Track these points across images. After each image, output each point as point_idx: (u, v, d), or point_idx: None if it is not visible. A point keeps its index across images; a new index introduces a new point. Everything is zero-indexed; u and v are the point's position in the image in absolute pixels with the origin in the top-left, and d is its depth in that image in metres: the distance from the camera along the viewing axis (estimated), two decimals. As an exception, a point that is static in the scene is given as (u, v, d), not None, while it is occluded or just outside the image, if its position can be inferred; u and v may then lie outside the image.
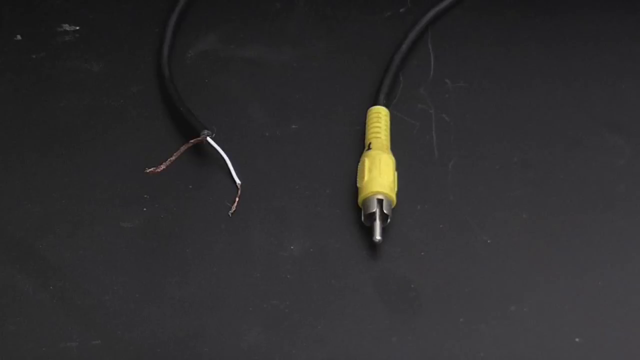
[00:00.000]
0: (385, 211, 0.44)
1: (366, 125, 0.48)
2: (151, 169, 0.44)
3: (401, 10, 0.55)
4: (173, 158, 0.45)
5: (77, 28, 0.54)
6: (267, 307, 0.42)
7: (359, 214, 0.45)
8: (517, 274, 0.43)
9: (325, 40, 0.53)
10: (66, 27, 0.54)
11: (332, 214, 0.45)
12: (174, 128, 0.49)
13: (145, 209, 0.46)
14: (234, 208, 0.46)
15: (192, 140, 0.46)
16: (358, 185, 0.45)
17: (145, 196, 0.46)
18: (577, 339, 0.41)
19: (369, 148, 0.46)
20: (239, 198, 0.46)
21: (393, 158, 0.46)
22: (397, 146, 0.47)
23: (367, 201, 0.44)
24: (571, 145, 0.48)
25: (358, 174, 0.46)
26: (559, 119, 0.49)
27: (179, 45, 0.53)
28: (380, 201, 0.44)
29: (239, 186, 0.46)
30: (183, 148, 0.46)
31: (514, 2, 0.55)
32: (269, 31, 0.54)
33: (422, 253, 0.44)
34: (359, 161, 0.46)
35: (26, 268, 0.44)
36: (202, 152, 0.48)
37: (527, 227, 0.45)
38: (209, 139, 0.47)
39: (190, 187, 0.47)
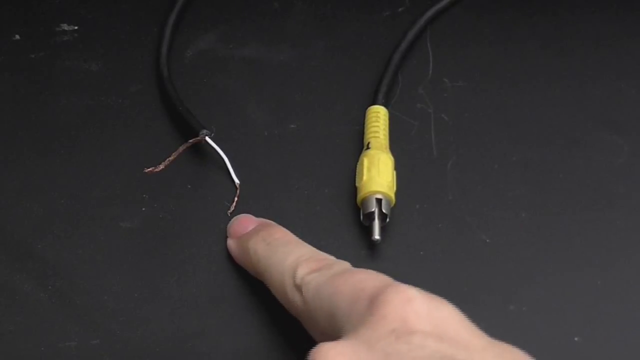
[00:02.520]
0: (384, 210, 0.44)
1: (365, 125, 0.48)
2: (150, 169, 0.44)
3: (400, 9, 0.55)
4: (172, 158, 0.45)
5: (76, 28, 0.54)
6: (266, 307, 0.42)
7: (357, 214, 0.45)
8: (516, 273, 0.43)
9: (323, 39, 0.53)
10: (65, 26, 0.54)
11: (331, 214, 0.45)
12: (173, 128, 0.49)
13: (144, 209, 0.46)
14: (233, 207, 0.46)
15: (191, 140, 0.46)
16: (357, 184, 0.45)
17: (144, 196, 0.46)
18: (576, 338, 0.41)
19: (368, 147, 0.46)
20: (238, 198, 0.46)
21: (392, 157, 0.46)
22: (396, 146, 0.47)
23: (365, 200, 0.44)
24: (570, 144, 0.48)
25: (357, 173, 0.46)
26: (558, 118, 0.49)
27: (177, 45, 0.53)
28: (379, 200, 0.44)
29: (237, 186, 0.46)
30: (182, 148, 0.46)
31: (512, 2, 0.55)
32: (268, 31, 0.54)
33: (421, 252, 0.44)
34: (357, 161, 0.46)
35: (25, 268, 0.44)
36: (201, 151, 0.48)
37: (526, 226, 0.45)
38: (207, 138, 0.47)
39: (189, 186, 0.47)
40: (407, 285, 0.35)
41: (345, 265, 0.39)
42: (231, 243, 0.44)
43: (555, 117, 0.49)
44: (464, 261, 0.44)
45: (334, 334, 0.35)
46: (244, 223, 0.44)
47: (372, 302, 0.34)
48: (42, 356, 0.41)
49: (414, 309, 0.34)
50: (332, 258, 0.40)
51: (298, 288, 0.38)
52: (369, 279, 0.36)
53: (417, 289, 0.35)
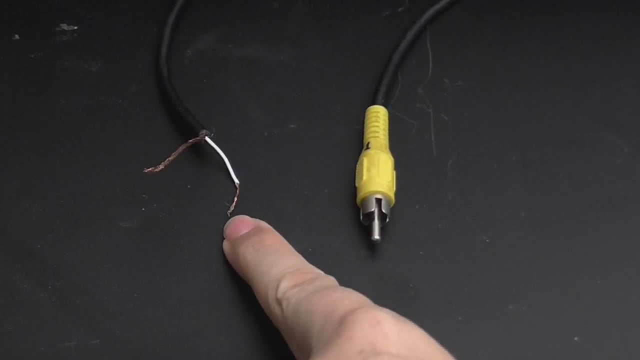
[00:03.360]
0: (383, 210, 0.44)
1: (364, 125, 0.48)
2: (150, 169, 0.44)
3: (399, 9, 0.55)
4: (172, 158, 0.45)
5: (75, 28, 0.54)
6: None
7: (357, 214, 0.45)
8: (515, 273, 0.43)
9: (323, 39, 0.53)
10: (64, 26, 0.54)
11: (330, 214, 0.45)
12: (173, 128, 0.49)
13: (143, 209, 0.46)
14: (232, 207, 0.46)
15: (190, 140, 0.46)
16: (356, 184, 0.45)
17: (144, 196, 0.46)
18: (575, 338, 0.41)
19: (368, 147, 0.46)
20: (238, 198, 0.46)
21: (391, 157, 0.46)
22: (396, 145, 0.47)
23: (365, 200, 0.44)
24: (569, 144, 0.48)
25: (356, 173, 0.46)
26: (558, 117, 0.49)
27: (177, 45, 0.53)
28: (378, 200, 0.44)
29: (237, 186, 0.46)
30: (182, 148, 0.45)
31: (512, 1, 0.55)
32: (268, 30, 0.54)
33: (421, 252, 0.44)
34: (357, 160, 0.46)
35: (25, 268, 0.44)
36: (201, 151, 0.48)
37: (525, 225, 0.45)
38: (207, 138, 0.47)
39: (189, 186, 0.47)
40: (379, 307, 0.35)
41: (328, 281, 0.39)
42: (225, 245, 0.44)
43: (554, 116, 0.49)
44: (463, 261, 0.44)
45: (307, 351, 0.35)
46: (239, 226, 0.44)
47: (341, 323, 0.34)
48: (42, 356, 0.41)
49: (382, 332, 0.34)
50: (318, 272, 0.40)
51: (279, 302, 0.38)
52: (344, 299, 0.36)
53: (389, 311, 0.35)
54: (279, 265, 0.40)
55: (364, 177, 0.45)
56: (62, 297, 0.43)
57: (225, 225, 0.44)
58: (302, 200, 0.46)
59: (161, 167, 0.45)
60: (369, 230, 0.44)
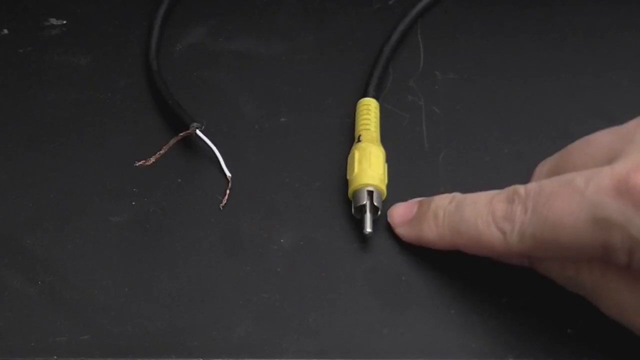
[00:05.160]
0: (375, 203, 0.44)
1: (356, 118, 0.48)
2: (141, 162, 0.44)
3: (390, 2, 0.55)
4: (162, 151, 0.45)
5: (64, 22, 0.54)
6: (258, 300, 0.42)
7: (349, 207, 0.45)
8: (508, 266, 0.43)
9: (314, 32, 0.53)
10: (53, 21, 0.54)
11: (322, 207, 0.45)
12: (163, 121, 0.49)
13: (134, 203, 0.46)
14: (225, 201, 0.45)
15: (181, 133, 0.46)
16: (348, 177, 0.45)
17: (134, 190, 0.46)
18: (569, 330, 0.41)
19: (359, 140, 0.46)
20: (230, 190, 0.46)
21: (383, 150, 0.46)
22: (387, 138, 0.47)
23: (357, 193, 0.44)
24: (562, 135, 0.48)
25: (348, 166, 0.46)
26: (550, 109, 0.49)
27: (167, 39, 0.53)
28: (370, 193, 0.44)
29: (229, 179, 0.46)
30: (172, 141, 0.45)
31: (503, -6, 0.55)
32: (258, 24, 0.54)
33: (413, 245, 0.44)
34: (348, 153, 0.46)
35: (14, 263, 0.44)
36: (192, 145, 0.48)
37: (518, 218, 0.45)
38: (198, 131, 0.46)
39: (180, 180, 0.47)
40: None
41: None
42: (402, 230, 0.43)
43: (546, 108, 0.49)
44: (455, 254, 0.44)
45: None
46: (405, 208, 0.44)
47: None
48: (32, 352, 0.41)
49: None
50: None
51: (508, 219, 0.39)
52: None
53: None
54: (481, 196, 0.41)
55: (356, 170, 0.45)
56: (52, 293, 0.43)
57: (388, 215, 0.44)
58: (294, 193, 0.46)
59: (152, 160, 0.44)
60: (360, 223, 0.44)
